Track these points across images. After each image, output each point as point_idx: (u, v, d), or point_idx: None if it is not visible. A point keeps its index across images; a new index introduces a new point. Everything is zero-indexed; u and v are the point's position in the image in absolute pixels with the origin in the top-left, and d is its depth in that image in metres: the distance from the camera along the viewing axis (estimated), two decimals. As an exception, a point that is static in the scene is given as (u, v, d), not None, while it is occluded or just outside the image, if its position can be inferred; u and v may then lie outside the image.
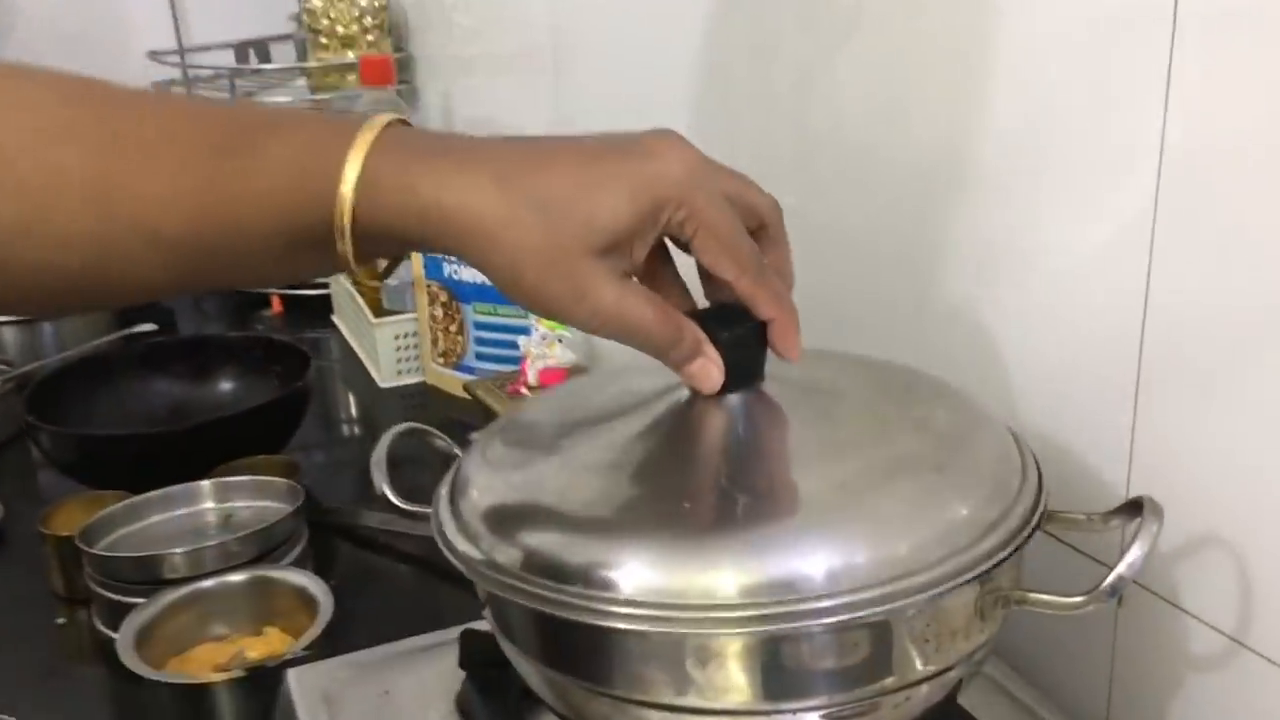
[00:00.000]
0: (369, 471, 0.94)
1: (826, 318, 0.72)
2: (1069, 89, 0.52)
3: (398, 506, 0.53)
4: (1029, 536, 0.44)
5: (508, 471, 0.49)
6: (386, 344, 1.18)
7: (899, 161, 0.64)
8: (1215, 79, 0.46)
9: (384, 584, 0.87)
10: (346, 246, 0.42)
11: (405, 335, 1.19)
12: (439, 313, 1.15)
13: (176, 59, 1.46)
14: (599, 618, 0.41)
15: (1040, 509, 0.45)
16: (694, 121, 0.84)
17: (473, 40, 1.29)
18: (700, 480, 0.46)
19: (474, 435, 0.54)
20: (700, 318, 0.47)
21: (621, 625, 0.41)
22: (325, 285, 1.39)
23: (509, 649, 0.47)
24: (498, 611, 0.47)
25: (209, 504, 0.87)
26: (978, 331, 0.60)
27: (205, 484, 0.87)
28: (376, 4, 1.39)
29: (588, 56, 1.01)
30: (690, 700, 0.42)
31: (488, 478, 0.49)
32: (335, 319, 1.37)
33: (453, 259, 1.12)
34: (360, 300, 1.24)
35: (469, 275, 1.12)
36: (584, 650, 0.44)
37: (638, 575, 0.42)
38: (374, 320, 1.19)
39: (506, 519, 0.46)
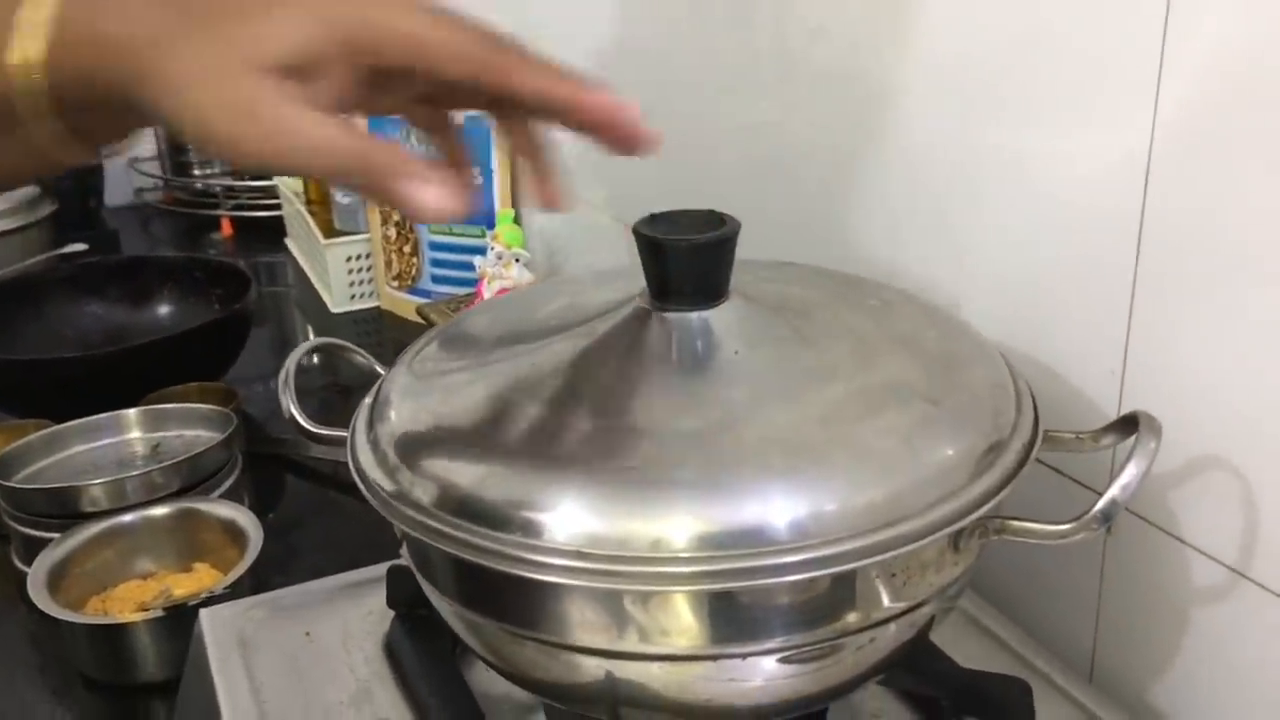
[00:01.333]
0: (317, 399, 0.88)
1: (803, 233, 0.66)
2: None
3: (310, 432, 0.48)
4: (1018, 470, 0.39)
5: (433, 394, 0.43)
6: (338, 266, 1.12)
7: (880, 73, 0.58)
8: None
9: (328, 520, 0.82)
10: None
11: (358, 257, 1.13)
12: (392, 233, 1.09)
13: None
14: (526, 568, 0.36)
15: (1035, 443, 0.40)
16: (670, 45, 0.77)
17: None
18: (652, 411, 0.40)
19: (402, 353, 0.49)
20: (659, 221, 0.41)
21: (553, 579, 0.36)
22: (278, 206, 1.32)
23: (427, 588, 0.42)
24: (415, 548, 0.42)
25: (136, 434, 0.81)
26: (960, 247, 0.55)
27: (132, 412, 0.81)
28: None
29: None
30: (628, 645, 0.37)
31: (410, 401, 0.43)
32: (288, 242, 1.31)
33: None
34: (310, 221, 1.17)
35: (422, 192, 1.06)
36: (509, 595, 0.38)
37: (573, 520, 0.36)
38: (324, 241, 1.13)
39: (427, 448, 0.40)
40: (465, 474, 0.38)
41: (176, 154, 1.42)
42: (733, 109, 0.72)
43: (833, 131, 0.63)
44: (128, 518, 0.70)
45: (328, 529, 0.80)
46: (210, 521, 0.71)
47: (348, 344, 0.51)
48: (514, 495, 0.37)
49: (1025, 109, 0.49)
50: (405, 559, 0.43)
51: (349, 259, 1.13)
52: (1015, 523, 0.38)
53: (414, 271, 1.09)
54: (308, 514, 0.81)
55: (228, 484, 0.75)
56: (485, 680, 0.48)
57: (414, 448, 0.41)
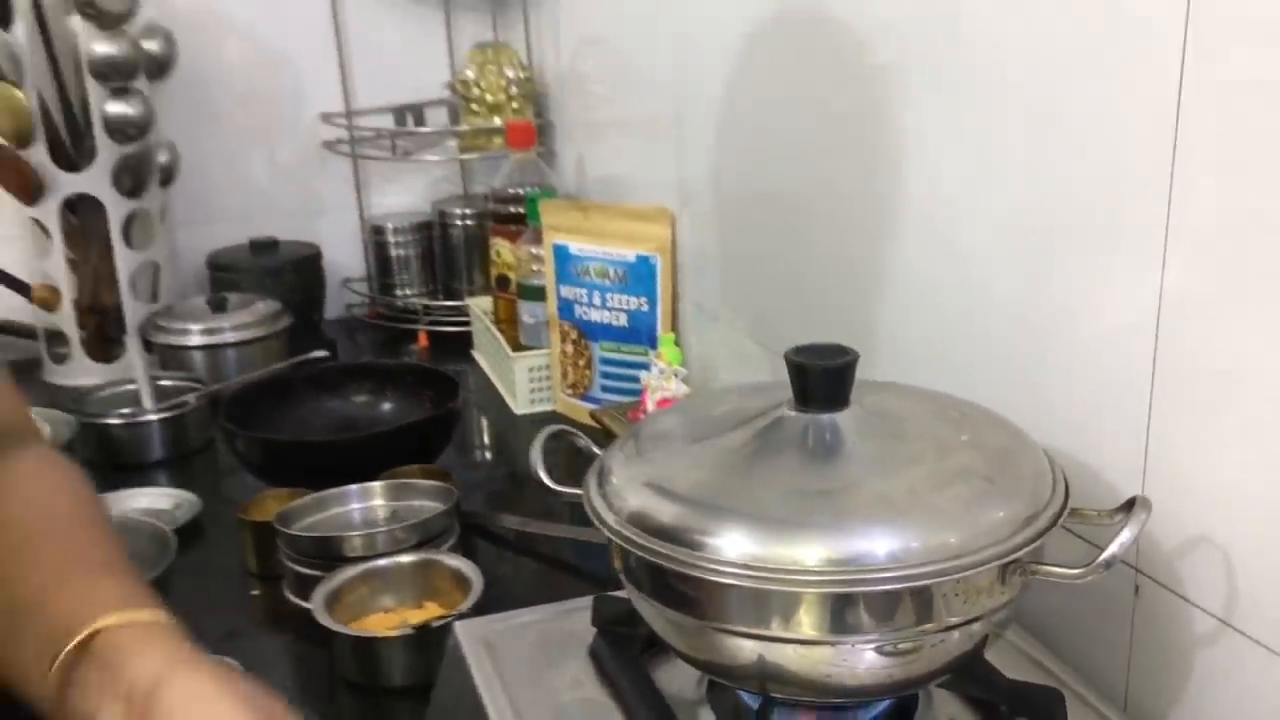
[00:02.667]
0: (505, 481, 1.10)
1: (902, 354, 0.85)
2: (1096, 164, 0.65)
3: (551, 490, 0.68)
4: (1048, 529, 0.57)
5: (642, 464, 0.63)
6: (523, 375, 1.34)
7: (968, 234, 0.78)
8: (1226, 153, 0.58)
9: (518, 574, 1.02)
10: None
11: (539, 368, 1.35)
12: (569, 349, 1.31)
13: (344, 120, 1.65)
14: (708, 574, 0.55)
15: (1063, 514, 0.58)
16: (804, 175, 0.98)
17: (604, 107, 1.46)
18: (795, 478, 0.59)
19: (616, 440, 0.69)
20: (802, 351, 0.61)
21: (727, 581, 0.55)
22: (466, 322, 1.56)
23: (634, 594, 0.61)
24: (628, 565, 0.61)
25: (379, 500, 1.03)
26: (1023, 374, 0.73)
27: (376, 484, 1.03)
28: (522, 75, 1.57)
29: (708, 120, 1.15)
30: (774, 632, 0.56)
31: (626, 469, 0.63)
32: (475, 353, 1.54)
33: (583, 300, 1.28)
34: (500, 337, 1.40)
35: (597, 316, 1.28)
36: (694, 595, 0.57)
37: (741, 545, 0.55)
38: (512, 354, 1.35)
39: (639, 497, 0.60)
40: (667, 513, 0.58)
41: (383, 275, 1.68)
42: (867, 248, 0.91)
43: (932, 283, 0.82)
44: (380, 563, 0.92)
45: (519, 580, 1.01)
46: (441, 569, 0.92)
47: (576, 430, 0.72)
48: (702, 527, 0.56)
49: (1073, 268, 0.68)
50: (619, 573, 0.63)
51: (531, 369, 1.35)
52: (1044, 566, 0.56)
53: (586, 382, 1.30)
54: (501, 569, 1.02)
55: (451, 541, 0.96)
56: (663, 679, 0.67)
57: (629, 498, 0.60)
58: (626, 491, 0.61)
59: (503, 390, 1.41)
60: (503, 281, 1.41)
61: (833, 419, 0.61)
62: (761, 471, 0.60)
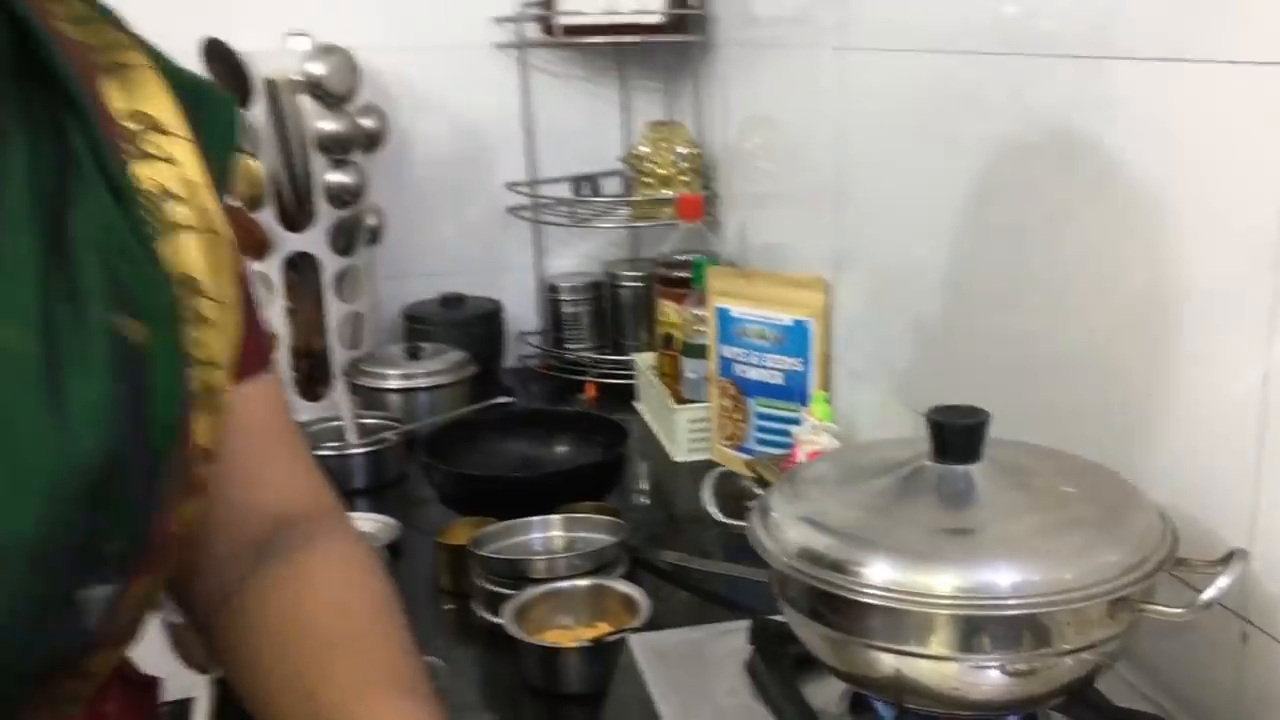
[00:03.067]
0: (664, 521, 1.22)
1: (1033, 415, 0.94)
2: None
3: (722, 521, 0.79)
4: (1153, 574, 0.65)
5: (799, 503, 0.74)
6: (683, 426, 1.47)
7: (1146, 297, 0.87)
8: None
9: (676, 603, 1.13)
10: None
11: (698, 420, 1.47)
12: (728, 404, 1.42)
13: (527, 189, 1.82)
14: (858, 596, 0.66)
15: (1168, 561, 0.66)
16: (951, 249, 1.08)
17: (766, 180, 1.58)
18: (932, 520, 0.69)
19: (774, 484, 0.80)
20: (940, 410, 0.71)
21: (872, 602, 0.65)
22: (630, 375, 1.69)
23: (790, 613, 0.72)
24: (786, 589, 0.72)
25: (557, 531, 1.16)
26: (1141, 434, 0.81)
27: (555, 516, 1.16)
28: (692, 151, 1.71)
29: (864, 195, 1.26)
30: (910, 649, 0.66)
31: (784, 506, 0.74)
32: (638, 404, 1.67)
33: (741, 359, 1.39)
34: (664, 389, 1.53)
35: (754, 374, 1.39)
36: (844, 614, 0.68)
37: (885, 573, 0.66)
38: (674, 406, 1.48)
39: (797, 530, 0.71)
40: (822, 544, 0.69)
41: (556, 330, 1.83)
42: (1003, 318, 1.00)
43: (1062, 350, 0.91)
44: (560, 585, 1.04)
45: (676, 605, 1.12)
46: (612, 593, 1.04)
47: (742, 473, 0.83)
48: (852, 557, 0.67)
49: (1191, 343, 0.77)
50: (776, 596, 0.73)
51: (692, 421, 1.47)
52: (1149, 605, 0.65)
53: (742, 434, 1.41)
54: (662, 598, 1.13)
55: (620, 570, 1.09)
56: (810, 694, 0.77)
57: (789, 531, 0.71)
58: (786, 526, 0.72)
59: (664, 439, 1.53)
60: (668, 339, 1.54)
61: (966, 470, 0.71)
62: (902, 512, 0.70)
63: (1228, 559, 0.66)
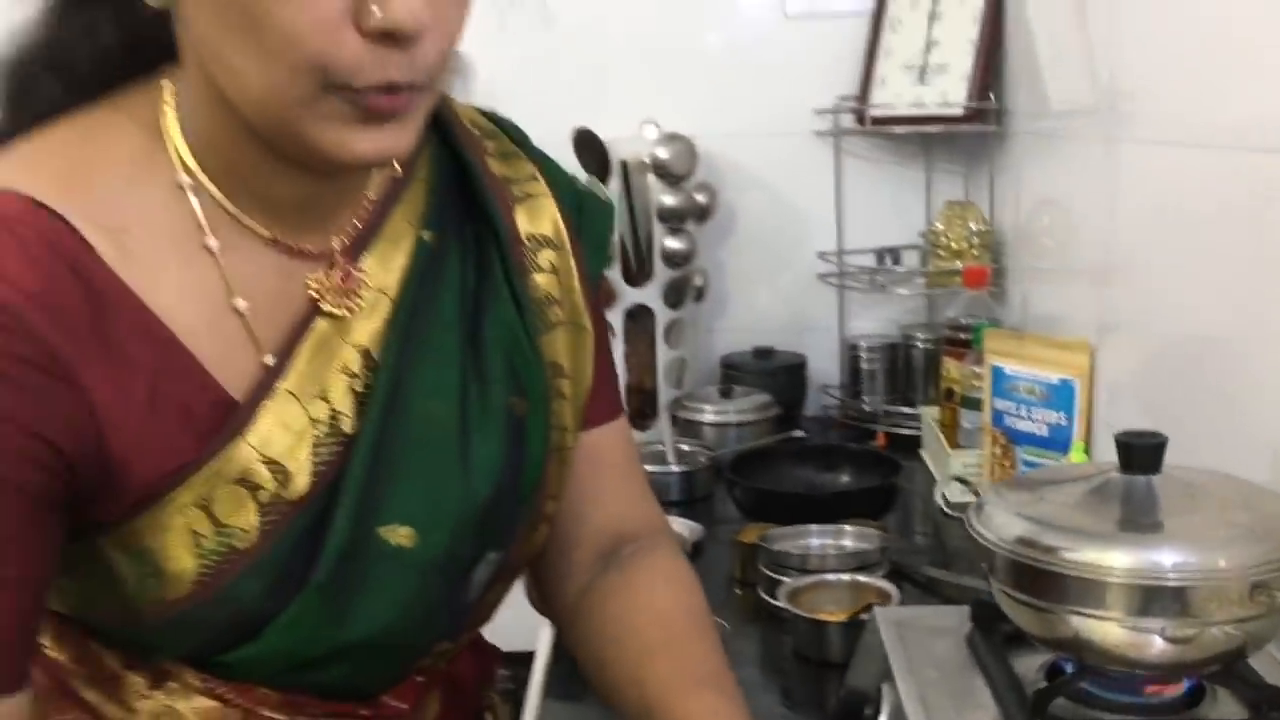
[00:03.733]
0: (933, 548, 1.41)
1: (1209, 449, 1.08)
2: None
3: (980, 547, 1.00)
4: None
5: (1007, 500, 0.94)
6: (957, 469, 1.65)
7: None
8: None
9: (925, 604, 1.32)
10: None
11: (972, 464, 1.64)
12: (998, 451, 1.60)
13: (835, 258, 2.07)
14: (1050, 568, 0.85)
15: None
16: (1222, 329, 1.22)
17: (1048, 256, 1.74)
18: (1119, 515, 0.87)
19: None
20: (1128, 434, 0.89)
21: (1065, 573, 0.84)
22: (918, 427, 1.88)
23: (997, 589, 0.91)
24: (994, 568, 0.92)
25: (830, 539, 1.38)
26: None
27: (831, 525, 1.39)
28: (983, 228, 1.90)
29: (1130, 268, 1.41)
30: (1091, 611, 0.84)
31: (996, 501, 0.94)
32: (922, 452, 1.86)
33: (1011, 412, 1.56)
34: (942, 438, 1.72)
35: (1023, 425, 1.56)
36: (1038, 585, 0.87)
37: (1072, 552, 0.85)
38: (950, 451, 1.67)
39: (1009, 521, 0.91)
40: (1023, 528, 0.88)
41: (854, 384, 2.06)
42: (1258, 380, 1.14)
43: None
44: (828, 577, 1.27)
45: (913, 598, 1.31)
46: (870, 588, 1.25)
47: (970, 481, 1.03)
48: (1048, 540, 0.86)
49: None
50: (990, 577, 0.93)
51: (965, 464, 1.65)
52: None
53: (1009, 478, 1.58)
54: (912, 596, 1.33)
55: (881, 572, 1.30)
56: (1015, 662, 0.95)
57: (998, 519, 0.91)
58: (997, 516, 0.92)
59: (939, 480, 1.72)
60: (949, 393, 1.73)
61: (1146, 480, 0.89)
62: (1091, 508, 0.89)
63: (1367, 564, 0.80)
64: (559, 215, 0.87)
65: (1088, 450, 1.45)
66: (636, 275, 1.96)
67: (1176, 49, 1.28)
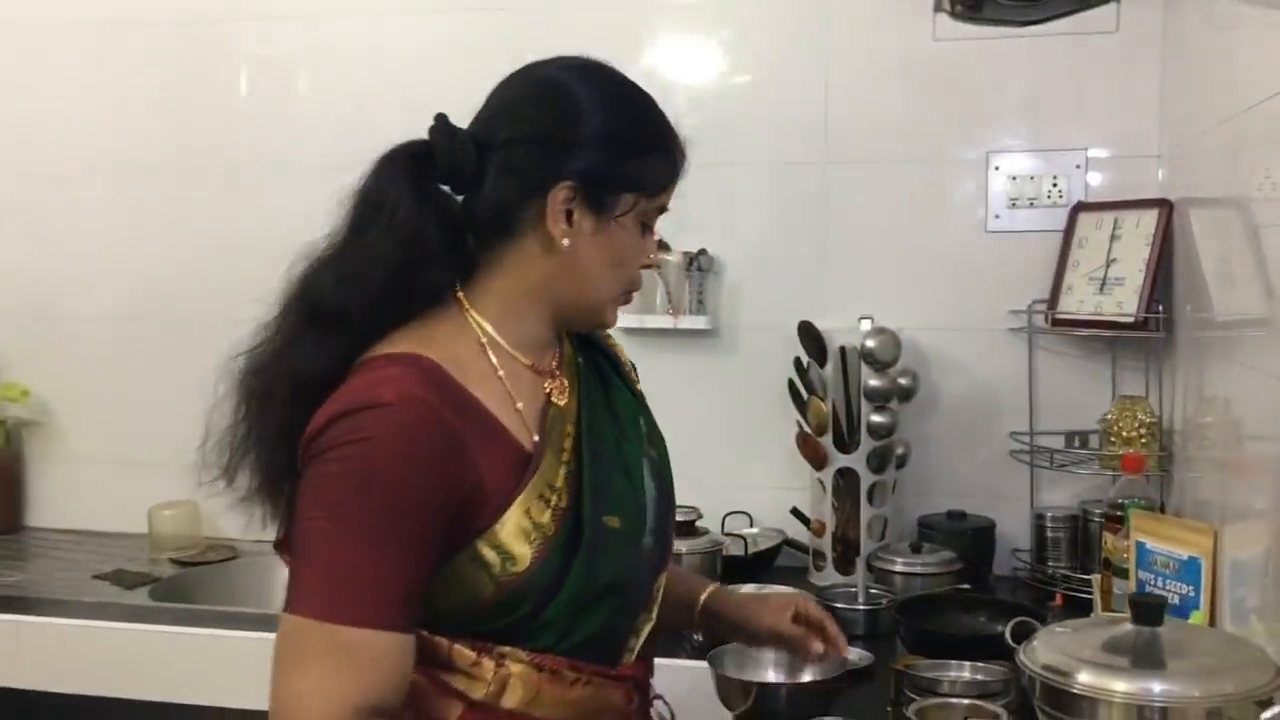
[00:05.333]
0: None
1: None
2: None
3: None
4: (1239, 700, 1.09)
5: (1050, 640, 1.26)
6: (1105, 629, 1.90)
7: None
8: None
9: None
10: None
11: (1118, 626, 1.89)
12: (1140, 615, 1.84)
13: (1026, 439, 2.37)
14: (1071, 690, 1.16)
15: (1256, 696, 1.09)
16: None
17: (1208, 448, 1.99)
18: (1125, 653, 1.18)
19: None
20: (1139, 595, 1.20)
21: (1076, 692, 1.16)
22: (1090, 590, 2.13)
23: (1036, 705, 1.23)
24: (1033, 688, 1.23)
25: (966, 674, 1.69)
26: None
27: (987, 664, 1.69)
28: (1150, 420, 2.16)
29: (1261, 459, 1.65)
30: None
31: (1042, 639, 1.26)
32: (1091, 614, 2.10)
33: (1151, 581, 1.82)
34: (1098, 601, 1.97)
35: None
36: (1063, 705, 1.18)
37: (1086, 680, 1.16)
38: (1101, 614, 1.92)
39: (1046, 653, 1.23)
40: (1056, 660, 1.20)
41: (1040, 549, 2.32)
42: None
43: None
44: (950, 700, 1.58)
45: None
46: (983, 711, 1.55)
47: (1034, 622, 1.34)
48: (1071, 669, 1.18)
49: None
50: (1028, 692, 1.24)
51: (1114, 626, 1.90)
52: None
53: (1149, 641, 1.82)
54: None
55: (1003, 700, 1.59)
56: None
57: (1040, 653, 1.23)
58: (1040, 651, 1.24)
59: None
60: (1106, 563, 1.99)
61: (1151, 630, 1.19)
62: (1109, 648, 1.20)
63: (1300, 705, 1.08)
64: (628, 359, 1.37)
65: (1212, 621, 1.69)
66: (847, 443, 2.33)
67: None
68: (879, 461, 2.32)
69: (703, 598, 1.40)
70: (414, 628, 1.05)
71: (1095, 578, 2.11)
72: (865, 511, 2.32)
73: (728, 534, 2.40)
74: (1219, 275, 1.99)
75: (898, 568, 2.21)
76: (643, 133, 1.16)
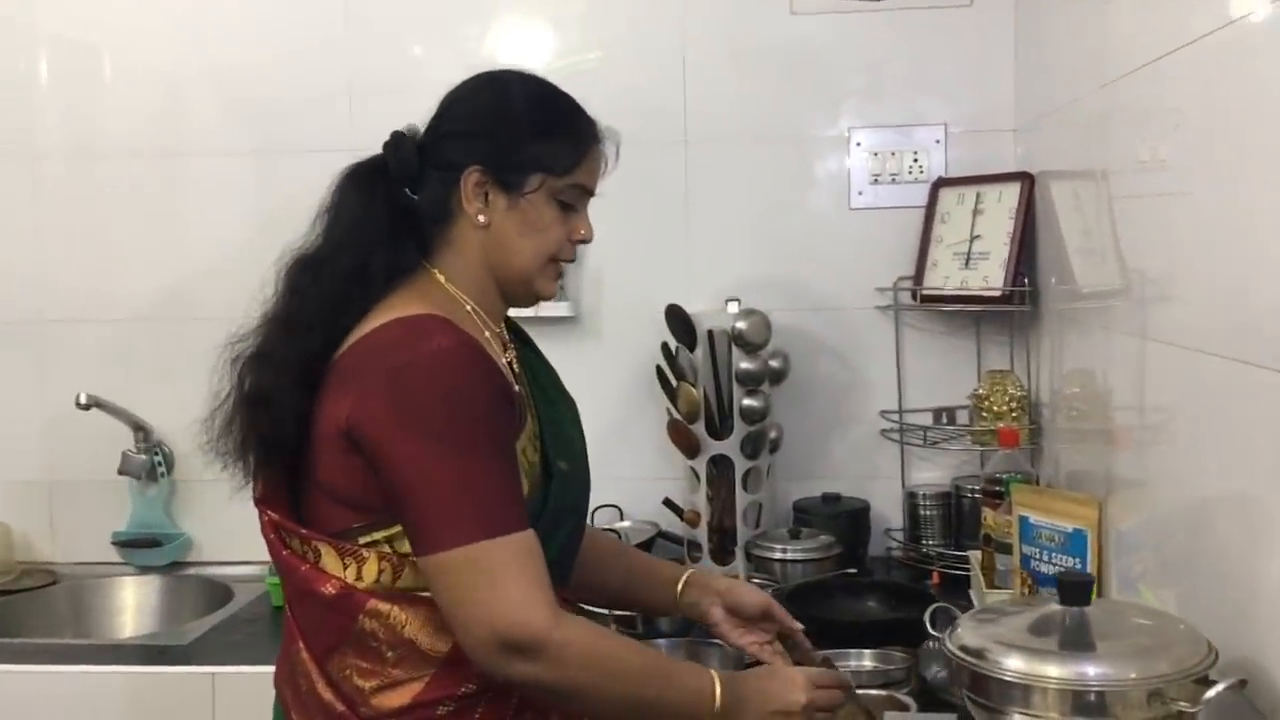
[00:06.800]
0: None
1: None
2: None
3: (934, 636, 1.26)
4: (1174, 680, 1.05)
5: (972, 623, 1.20)
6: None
7: None
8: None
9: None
10: None
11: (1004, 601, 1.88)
12: (1026, 590, 1.84)
13: (896, 417, 2.35)
14: (996, 675, 1.11)
15: (1192, 674, 1.06)
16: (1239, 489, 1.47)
17: (1078, 420, 2.00)
18: (1050, 634, 1.14)
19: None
20: (1067, 574, 1.16)
21: (1006, 680, 1.11)
22: (967, 566, 2.13)
23: (964, 695, 1.18)
24: (957, 675, 1.18)
25: (865, 662, 1.64)
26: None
27: (890, 651, 1.64)
28: (1020, 394, 2.17)
29: (1143, 434, 1.65)
30: (1035, 712, 1.09)
31: (965, 624, 1.21)
32: (970, 591, 2.10)
33: (1036, 556, 1.81)
34: (981, 579, 1.96)
35: (1045, 569, 1.80)
36: (992, 690, 1.13)
37: (1018, 665, 1.11)
38: (985, 590, 1.91)
39: (970, 636, 1.17)
40: (980, 643, 1.15)
41: (913, 528, 2.31)
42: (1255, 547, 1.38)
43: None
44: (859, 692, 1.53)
45: None
46: (894, 701, 1.50)
47: (953, 609, 1.30)
48: (999, 654, 1.13)
49: None
50: (951, 681, 1.19)
51: (1000, 602, 1.89)
52: (1173, 700, 1.04)
53: (1036, 615, 1.81)
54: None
55: (906, 689, 1.55)
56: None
57: (965, 638, 1.18)
58: (966, 638, 1.19)
59: (980, 617, 1.96)
60: (987, 539, 1.98)
61: (1079, 610, 1.15)
62: (1036, 630, 1.15)
63: (1239, 684, 1.05)
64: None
65: (1099, 591, 1.69)
66: (719, 429, 2.27)
67: (1196, 241, 1.38)
68: (753, 447, 2.26)
69: (686, 573, 1.54)
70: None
71: (974, 554, 2.10)
72: (741, 499, 2.26)
73: (599, 529, 2.30)
74: (1081, 248, 2.01)
75: (777, 555, 2.16)
76: (547, 120, 1.33)
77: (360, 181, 1.34)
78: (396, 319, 1.23)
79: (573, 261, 1.40)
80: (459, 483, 1.16)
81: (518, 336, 1.46)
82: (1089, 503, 1.77)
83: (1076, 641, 1.13)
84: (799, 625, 1.47)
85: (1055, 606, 1.17)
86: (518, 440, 1.26)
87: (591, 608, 1.64)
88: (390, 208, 1.32)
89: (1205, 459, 1.36)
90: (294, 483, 1.29)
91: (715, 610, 1.48)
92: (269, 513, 1.29)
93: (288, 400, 1.24)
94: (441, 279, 1.33)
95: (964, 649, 1.17)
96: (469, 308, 1.32)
